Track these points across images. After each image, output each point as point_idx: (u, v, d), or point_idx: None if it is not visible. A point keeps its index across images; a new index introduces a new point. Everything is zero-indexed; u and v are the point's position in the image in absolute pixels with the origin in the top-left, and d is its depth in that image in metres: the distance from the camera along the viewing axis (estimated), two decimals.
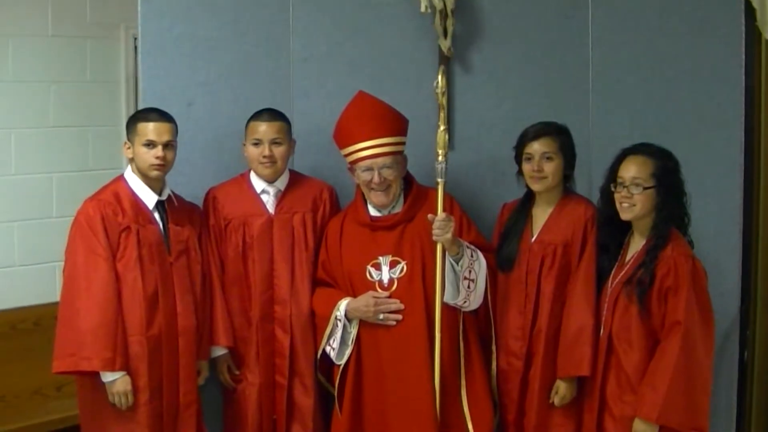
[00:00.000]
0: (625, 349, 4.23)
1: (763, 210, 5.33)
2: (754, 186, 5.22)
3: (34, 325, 6.14)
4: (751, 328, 5.28)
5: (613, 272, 4.36)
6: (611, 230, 4.39)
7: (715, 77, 4.97)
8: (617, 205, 4.25)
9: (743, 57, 4.97)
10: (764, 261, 5.41)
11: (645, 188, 4.18)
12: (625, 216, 4.25)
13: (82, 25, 6.53)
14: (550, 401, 4.52)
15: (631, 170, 4.21)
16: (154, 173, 4.51)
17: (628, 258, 4.33)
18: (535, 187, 4.56)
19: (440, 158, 4.43)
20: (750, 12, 4.95)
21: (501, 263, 4.63)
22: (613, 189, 4.27)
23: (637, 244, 4.31)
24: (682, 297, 4.09)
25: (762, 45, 5.17)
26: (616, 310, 4.26)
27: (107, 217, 4.41)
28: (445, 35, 4.90)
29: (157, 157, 4.47)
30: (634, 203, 4.20)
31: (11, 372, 6.00)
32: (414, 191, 4.67)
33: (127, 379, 4.38)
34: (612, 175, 4.29)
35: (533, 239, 4.60)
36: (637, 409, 4.14)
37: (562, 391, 4.48)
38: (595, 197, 4.61)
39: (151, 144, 4.48)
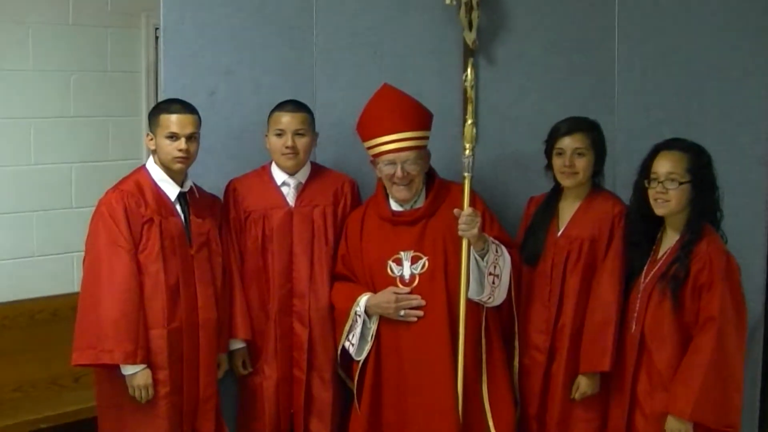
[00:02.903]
0: (657, 345, 4.22)
1: None
2: None
3: (51, 315, 6.11)
4: None
5: (645, 268, 4.34)
6: (644, 226, 4.37)
7: (741, 73, 4.97)
8: (651, 200, 4.23)
9: None
10: None
11: (680, 183, 4.16)
12: (660, 211, 4.23)
13: (103, 14, 6.51)
14: (571, 396, 4.52)
15: (665, 165, 4.19)
16: (178, 166, 4.49)
17: (660, 254, 4.31)
18: (566, 182, 4.54)
19: (467, 152, 4.38)
20: None
21: (527, 257, 4.62)
22: (646, 185, 4.24)
23: (669, 240, 4.30)
24: (717, 293, 4.09)
25: None
26: (649, 306, 4.25)
27: (130, 209, 4.39)
28: (470, 28, 4.89)
29: (180, 150, 4.45)
30: (668, 199, 4.18)
31: (28, 362, 5.98)
32: (436, 186, 4.63)
33: (148, 372, 4.37)
34: (645, 170, 4.27)
35: (559, 233, 4.59)
36: (669, 405, 4.14)
37: (582, 386, 4.48)
38: (620, 192, 4.64)
39: (174, 136, 4.45)
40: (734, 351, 4.14)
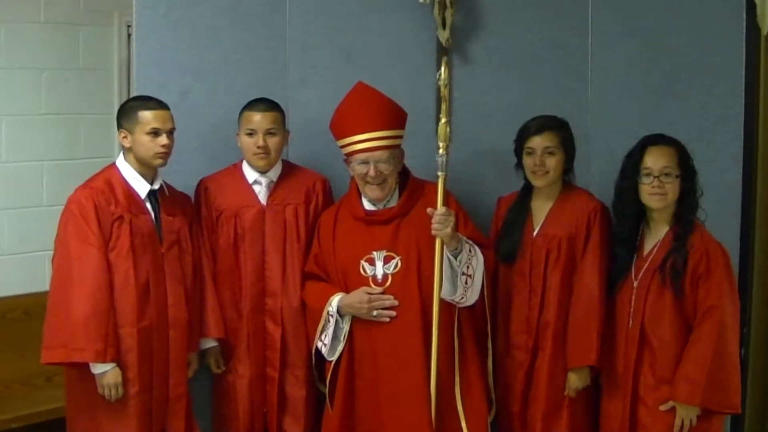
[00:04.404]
0: (659, 337, 4.28)
1: (761, 205, 5.31)
2: (753, 182, 5.19)
3: (23, 314, 6.08)
4: (748, 326, 5.26)
5: (634, 264, 4.39)
6: (631, 224, 4.43)
7: (715, 72, 4.96)
8: (645, 195, 4.31)
9: (744, 52, 4.95)
10: (761, 257, 5.39)
11: (675, 177, 4.26)
12: (656, 205, 4.30)
13: (75, 11, 6.48)
14: (565, 393, 4.53)
15: (660, 160, 4.28)
16: (159, 161, 4.47)
17: (648, 248, 4.38)
18: (537, 182, 4.56)
19: (441, 151, 4.34)
20: (751, 7, 4.94)
21: (503, 256, 4.63)
22: (639, 180, 4.31)
23: (656, 234, 4.38)
24: (715, 282, 4.19)
25: (762, 40, 5.14)
26: (647, 301, 4.31)
27: (100, 206, 4.36)
28: (444, 26, 4.88)
29: (164, 146, 4.43)
30: (665, 192, 4.27)
31: (0, 361, 5.93)
32: (410, 185, 4.61)
33: (118, 371, 4.34)
34: (635, 166, 4.33)
35: (536, 233, 4.60)
36: (677, 393, 4.21)
37: (573, 382, 4.50)
38: (594, 191, 4.68)
39: (156, 132, 4.42)
40: (732, 336, 4.25)
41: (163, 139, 4.43)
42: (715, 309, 4.17)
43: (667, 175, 4.25)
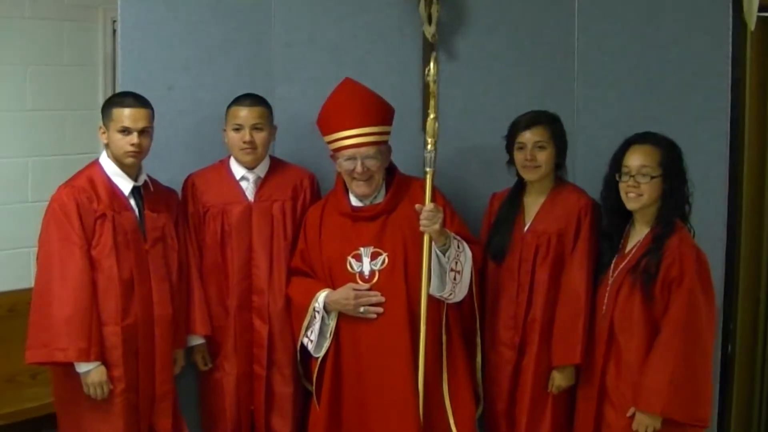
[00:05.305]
0: (626, 337, 4.22)
1: (746, 202, 5.34)
2: (739, 179, 5.20)
3: (8, 311, 6.03)
4: (734, 322, 5.27)
5: (614, 261, 4.35)
6: (615, 220, 4.39)
7: (702, 69, 4.95)
8: (623, 194, 4.25)
9: (730, 49, 4.95)
10: (747, 254, 5.42)
11: (652, 177, 4.19)
12: (631, 206, 4.25)
13: (60, 7, 6.46)
14: (548, 390, 4.51)
15: (638, 159, 4.21)
16: (129, 160, 4.44)
17: (629, 247, 4.33)
18: (528, 176, 4.54)
19: (429, 147, 4.32)
20: (737, 3, 4.94)
21: (493, 253, 4.62)
22: (618, 179, 4.26)
23: (638, 234, 4.32)
24: (686, 289, 4.10)
25: (748, 37, 5.15)
26: (618, 299, 4.26)
27: (82, 204, 4.35)
28: (430, 21, 4.86)
29: (133, 144, 4.40)
30: (641, 192, 4.20)
31: None
32: (396, 181, 4.61)
33: (102, 369, 4.33)
34: (616, 164, 4.29)
35: (526, 229, 4.59)
36: (638, 400, 4.14)
37: (557, 380, 4.49)
38: (579, 186, 4.65)
39: (126, 131, 4.40)
40: (703, 345, 4.15)
41: (133, 138, 4.40)
42: (681, 316, 4.10)
43: (643, 175, 4.18)
